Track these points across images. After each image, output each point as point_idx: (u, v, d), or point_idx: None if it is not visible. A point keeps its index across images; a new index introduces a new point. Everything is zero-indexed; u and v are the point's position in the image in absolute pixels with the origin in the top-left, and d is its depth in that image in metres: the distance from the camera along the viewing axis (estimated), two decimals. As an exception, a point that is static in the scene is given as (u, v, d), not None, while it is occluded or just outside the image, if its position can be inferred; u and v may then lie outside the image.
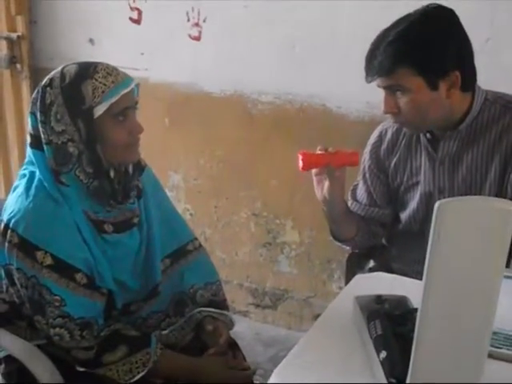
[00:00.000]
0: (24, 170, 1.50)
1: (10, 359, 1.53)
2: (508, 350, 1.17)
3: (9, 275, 1.44)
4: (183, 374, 1.51)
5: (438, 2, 1.60)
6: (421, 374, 0.94)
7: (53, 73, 1.45)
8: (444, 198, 1.69)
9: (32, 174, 1.46)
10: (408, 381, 0.95)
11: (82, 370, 1.46)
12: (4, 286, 1.49)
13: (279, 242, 2.74)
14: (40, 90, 1.43)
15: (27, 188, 1.45)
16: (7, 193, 1.56)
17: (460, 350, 0.92)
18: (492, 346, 1.13)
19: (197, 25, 2.62)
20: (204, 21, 2.60)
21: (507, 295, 1.08)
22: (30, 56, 2.92)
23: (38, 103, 1.42)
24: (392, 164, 1.77)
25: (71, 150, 1.41)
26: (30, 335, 1.51)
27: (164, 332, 1.58)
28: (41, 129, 1.42)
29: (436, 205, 0.83)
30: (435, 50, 1.53)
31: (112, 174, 1.48)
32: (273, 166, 2.65)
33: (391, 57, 1.52)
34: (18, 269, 1.41)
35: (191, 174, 2.85)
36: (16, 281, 1.43)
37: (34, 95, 1.45)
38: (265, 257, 2.79)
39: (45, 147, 1.42)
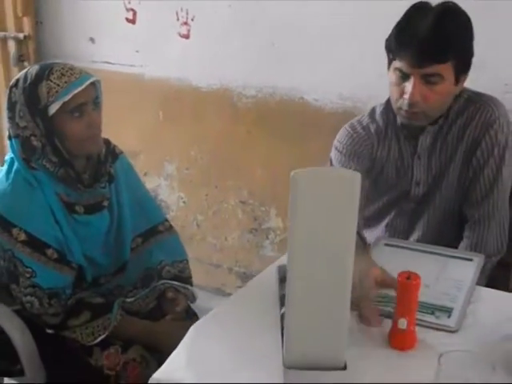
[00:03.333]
0: (8, 156, 1.70)
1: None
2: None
3: None
4: (141, 336, 1.68)
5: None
6: (290, 329, 1.07)
7: (20, 74, 1.64)
8: (420, 191, 1.76)
9: (12, 160, 1.66)
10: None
11: (50, 331, 1.65)
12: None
13: (264, 228, 2.88)
14: (9, 90, 1.63)
15: (7, 172, 1.65)
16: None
17: (323, 309, 1.03)
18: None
19: (185, 23, 2.78)
20: (192, 20, 2.76)
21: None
22: (37, 54, 3.12)
23: (7, 101, 1.62)
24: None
25: (35, 143, 1.60)
26: (8, 301, 1.68)
27: (129, 300, 1.73)
28: (9, 124, 1.62)
29: (291, 174, 0.96)
30: (472, 48, 1.60)
31: (77, 162, 1.66)
32: (257, 156, 2.79)
33: (450, 47, 1.54)
34: None
35: (183, 164, 3.01)
36: None
37: None
38: (251, 242, 2.93)
39: (13, 140, 1.62)
